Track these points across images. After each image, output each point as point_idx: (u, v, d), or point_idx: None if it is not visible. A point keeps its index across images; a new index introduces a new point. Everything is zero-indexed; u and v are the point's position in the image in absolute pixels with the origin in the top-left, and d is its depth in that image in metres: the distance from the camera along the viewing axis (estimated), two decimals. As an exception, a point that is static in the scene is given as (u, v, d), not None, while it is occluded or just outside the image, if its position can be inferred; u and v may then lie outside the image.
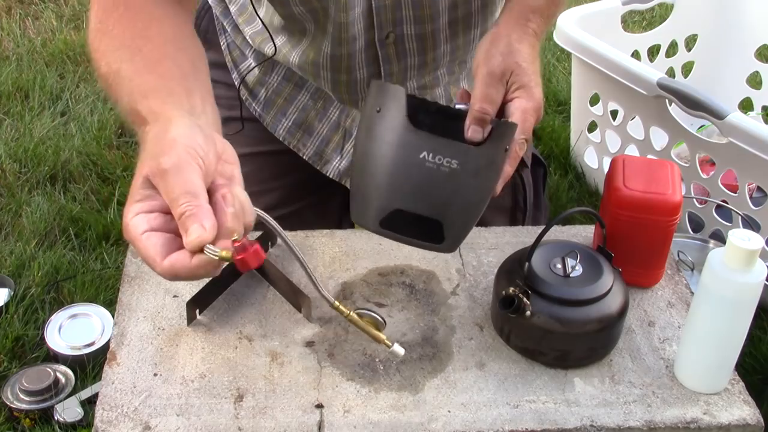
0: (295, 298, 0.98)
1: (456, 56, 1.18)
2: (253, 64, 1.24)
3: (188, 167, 0.74)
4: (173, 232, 0.74)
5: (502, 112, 0.94)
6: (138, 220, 0.75)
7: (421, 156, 0.85)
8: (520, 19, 0.99)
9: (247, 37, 1.24)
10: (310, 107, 1.24)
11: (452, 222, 0.88)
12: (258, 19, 1.15)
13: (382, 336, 0.86)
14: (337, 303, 0.85)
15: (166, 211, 0.75)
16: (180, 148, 0.75)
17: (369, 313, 0.87)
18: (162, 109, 0.81)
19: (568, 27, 1.74)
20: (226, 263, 0.74)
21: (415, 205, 0.85)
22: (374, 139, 0.87)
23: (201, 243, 0.72)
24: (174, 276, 0.74)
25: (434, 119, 0.90)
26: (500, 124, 0.88)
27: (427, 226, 0.86)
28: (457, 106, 0.93)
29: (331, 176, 1.25)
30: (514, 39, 0.96)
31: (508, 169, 0.91)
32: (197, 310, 0.96)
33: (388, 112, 0.86)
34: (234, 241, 0.73)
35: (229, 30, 1.27)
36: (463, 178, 0.86)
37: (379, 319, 0.87)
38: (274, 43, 1.16)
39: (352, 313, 0.86)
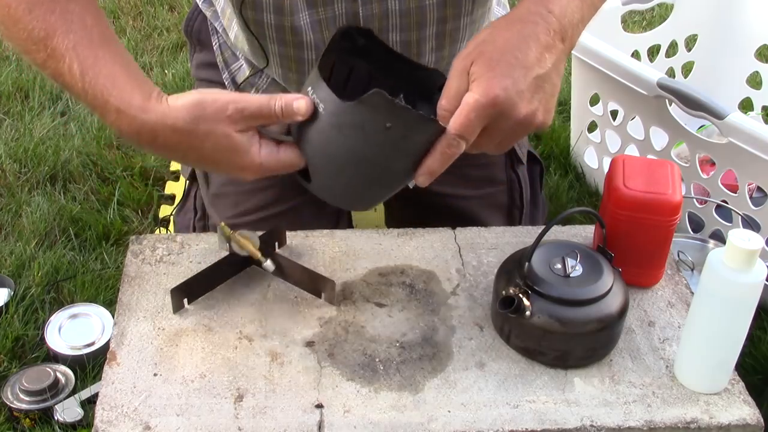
0: (314, 284, 0.98)
1: (440, 66, 1.18)
2: (244, 64, 1.24)
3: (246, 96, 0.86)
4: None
5: None
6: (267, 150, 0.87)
7: (309, 89, 0.86)
8: (532, 4, 0.89)
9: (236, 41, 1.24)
10: None
11: (317, 166, 0.89)
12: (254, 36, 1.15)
13: (257, 252, 0.99)
14: (223, 224, 1.00)
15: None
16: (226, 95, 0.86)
17: (247, 232, 1.00)
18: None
19: (568, 27, 1.74)
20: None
21: (288, 131, 0.88)
22: None
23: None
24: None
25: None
26: (373, 94, 0.82)
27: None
28: None
29: None
30: (500, 25, 0.87)
31: (431, 163, 0.86)
32: (185, 300, 0.96)
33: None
34: None
35: (220, 31, 1.27)
36: (326, 125, 0.85)
37: (255, 235, 1.00)
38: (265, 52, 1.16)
39: (235, 233, 1.00)
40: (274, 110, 0.85)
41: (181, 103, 0.85)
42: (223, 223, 1.00)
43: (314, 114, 0.85)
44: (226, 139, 0.85)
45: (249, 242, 0.99)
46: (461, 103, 0.83)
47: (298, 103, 0.84)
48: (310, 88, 0.86)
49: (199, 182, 1.05)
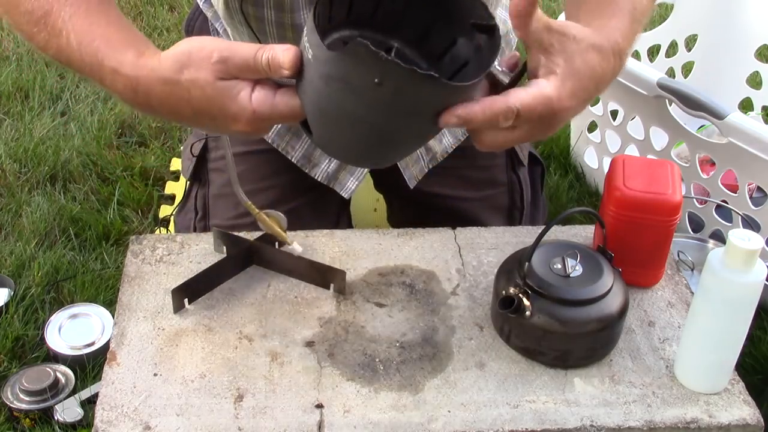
0: (323, 276, 0.99)
1: None
2: None
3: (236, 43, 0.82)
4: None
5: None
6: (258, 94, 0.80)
7: (305, 36, 0.76)
8: (615, 33, 0.84)
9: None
10: None
11: (312, 118, 0.80)
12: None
13: (284, 234, 1.01)
14: (249, 202, 1.00)
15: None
16: (211, 41, 0.81)
17: (274, 213, 1.02)
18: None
19: (568, 27, 1.74)
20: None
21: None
22: None
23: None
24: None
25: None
26: (353, 44, 0.71)
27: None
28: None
29: (319, 179, 1.24)
30: (592, 44, 0.80)
31: (473, 114, 0.75)
32: (185, 300, 0.96)
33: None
34: None
35: (220, 32, 1.27)
36: (314, 75, 0.76)
37: (282, 216, 1.02)
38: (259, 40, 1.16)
39: (261, 213, 1.00)
40: (260, 63, 0.78)
41: (171, 54, 0.81)
42: (248, 202, 0.99)
43: (306, 60, 0.76)
44: (209, 87, 0.79)
45: (275, 222, 1.00)
46: (536, 85, 0.77)
47: (284, 54, 0.77)
48: (305, 30, 0.77)
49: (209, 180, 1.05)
